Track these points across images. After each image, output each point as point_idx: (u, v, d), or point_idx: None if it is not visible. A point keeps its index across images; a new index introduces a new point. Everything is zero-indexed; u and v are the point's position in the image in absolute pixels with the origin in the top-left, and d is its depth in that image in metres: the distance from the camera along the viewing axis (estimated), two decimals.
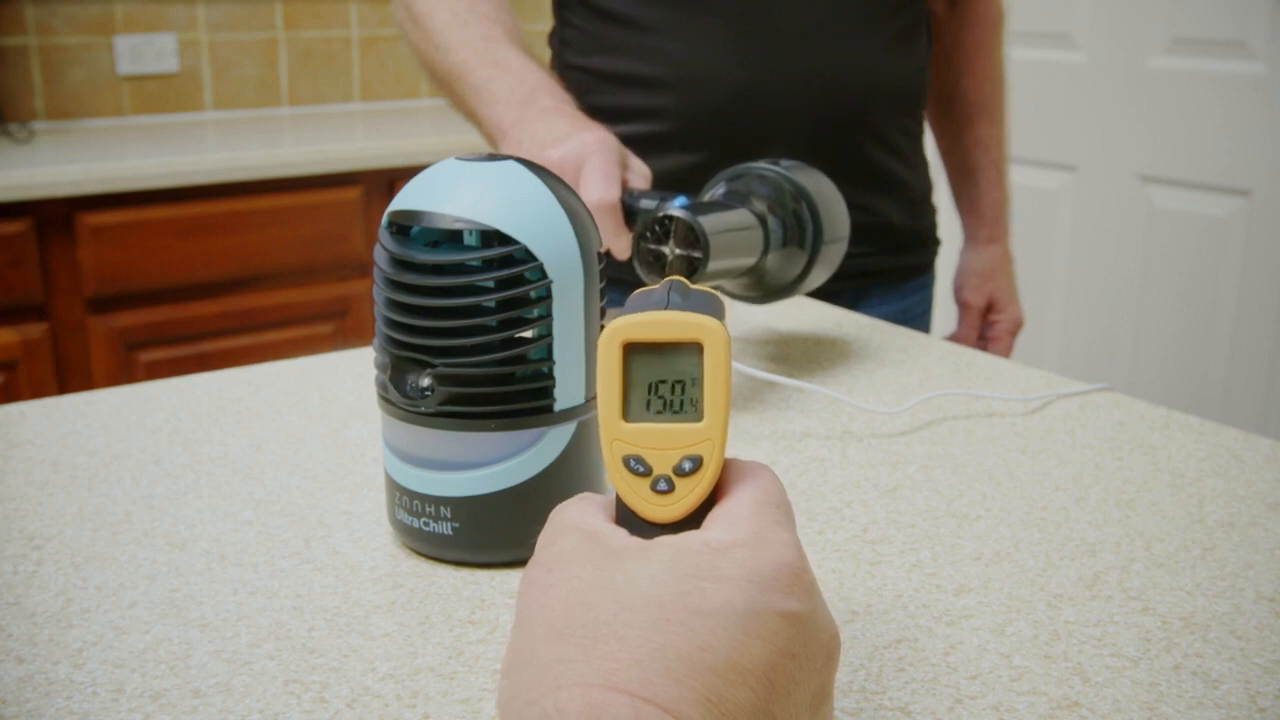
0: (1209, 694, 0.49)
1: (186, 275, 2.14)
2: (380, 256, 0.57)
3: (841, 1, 1.11)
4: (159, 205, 2.10)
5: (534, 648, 0.35)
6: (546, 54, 1.23)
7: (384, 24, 2.85)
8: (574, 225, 0.57)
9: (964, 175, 1.36)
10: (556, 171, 0.81)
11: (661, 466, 0.40)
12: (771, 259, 0.83)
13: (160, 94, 2.60)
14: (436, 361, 0.56)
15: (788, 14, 1.09)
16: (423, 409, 0.56)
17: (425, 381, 0.56)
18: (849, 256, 1.09)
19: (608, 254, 0.77)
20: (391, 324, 0.57)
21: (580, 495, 0.42)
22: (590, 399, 0.58)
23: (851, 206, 0.94)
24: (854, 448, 0.75)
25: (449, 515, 0.58)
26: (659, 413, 0.40)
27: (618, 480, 0.40)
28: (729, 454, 0.41)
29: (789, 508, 0.40)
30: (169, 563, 0.59)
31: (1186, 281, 2.17)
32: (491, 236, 0.55)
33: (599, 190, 0.80)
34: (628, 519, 0.40)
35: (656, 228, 0.76)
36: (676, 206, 0.75)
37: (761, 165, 0.86)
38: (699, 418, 0.40)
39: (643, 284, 0.82)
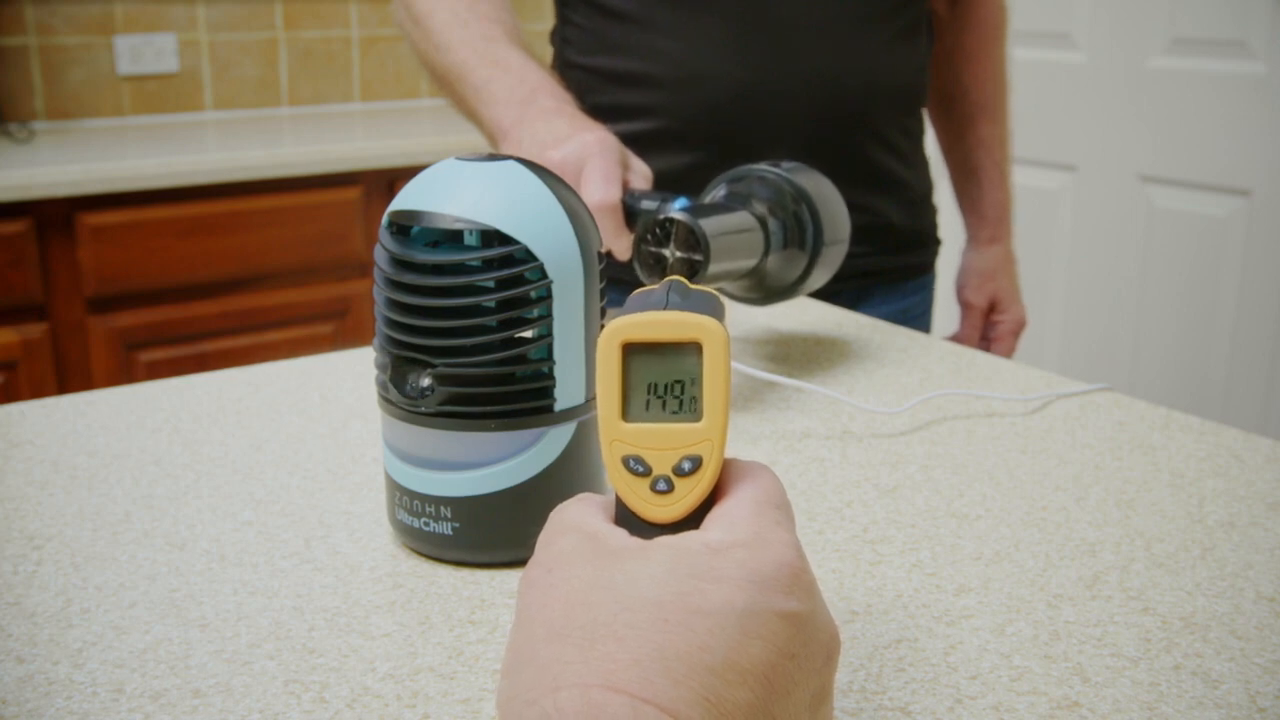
0: (1209, 694, 0.49)
1: (186, 275, 2.14)
2: (380, 256, 0.57)
3: (842, 1, 1.11)
4: (159, 205, 2.10)
5: (533, 648, 0.35)
6: (547, 53, 1.23)
7: (384, 24, 2.85)
8: (574, 225, 0.57)
9: (966, 175, 1.36)
10: (557, 172, 0.81)
11: (661, 467, 0.39)
12: (772, 261, 0.83)
13: (160, 94, 2.60)
14: (436, 361, 0.56)
15: (788, 13, 1.09)
16: (423, 409, 0.56)
17: (425, 381, 0.56)
18: (849, 257, 1.09)
19: (608, 254, 0.77)
20: (391, 324, 0.57)
21: (580, 495, 0.42)
22: (590, 399, 0.58)
23: (852, 206, 0.94)
24: (854, 448, 0.75)
25: (449, 515, 0.58)
26: (658, 413, 0.40)
27: (617, 480, 0.40)
28: (729, 454, 0.41)
29: (789, 508, 0.40)
30: (169, 563, 0.59)
31: (1186, 281, 2.17)
32: (491, 236, 0.55)
33: (600, 191, 0.80)
34: (627, 519, 0.40)
35: (657, 230, 0.76)
36: (677, 209, 0.75)
37: (762, 167, 0.86)
38: (698, 418, 0.40)
39: (643, 285, 0.82)
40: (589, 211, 0.59)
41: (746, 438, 0.76)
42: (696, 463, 0.39)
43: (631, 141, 0.93)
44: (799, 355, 0.93)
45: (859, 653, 0.52)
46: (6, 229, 1.96)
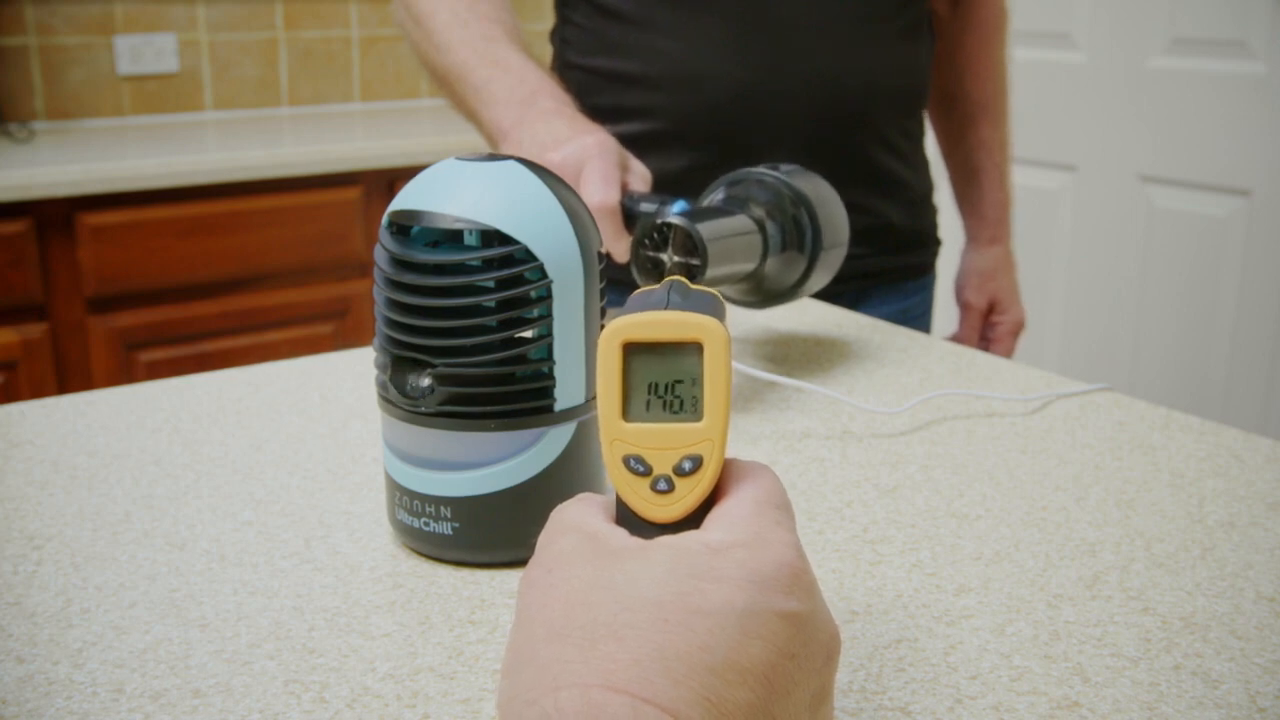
0: (1209, 694, 0.49)
1: (186, 275, 2.14)
2: (380, 256, 0.57)
3: (842, 1, 1.11)
4: (159, 205, 2.10)
5: (534, 648, 0.35)
6: (547, 53, 1.23)
7: (384, 24, 2.85)
8: (574, 225, 0.57)
9: (966, 176, 1.36)
10: (556, 173, 0.81)
11: (661, 466, 0.39)
12: (771, 264, 0.83)
13: (160, 94, 2.60)
14: (436, 361, 0.56)
15: (789, 14, 1.09)
16: (423, 409, 0.56)
17: (425, 381, 0.56)
18: (849, 257, 1.09)
19: (606, 255, 0.77)
20: (391, 324, 0.57)
21: (580, 495, 0.42)
22: (590, 399, 0.58)
23: (852, 207, 0.94)
24: (854, 448, 0.75)
25: (449, 515, 0.58)
26: (659, 412, 0.40)
27: (618, 480, 0.40)
28: (729, 454, 0.41)
29: (789, 508, 0.40)
30: (169, 563, 0.59)
31: (1186, 281, 2.17)
32: (492, 236, 0.55)
33: (599, 193, 0.80)
34: (628, 519, 0.40)
35: (655, 235, 0.76)
36: (675, 213, 0.75)
37: (761, 170, 0.86)
38: (699, 417, 0.40)
39: (637, 289, 0.82)
40: (589, 211, 0.59)
41: (746, 438, 0.76)
42: (697, 462, 0.39)
43: (631, 142, 0.93)
44: (799, 355, 0.93)
45: (859, 653, 0.52)
46: (6, 229, 1.96)
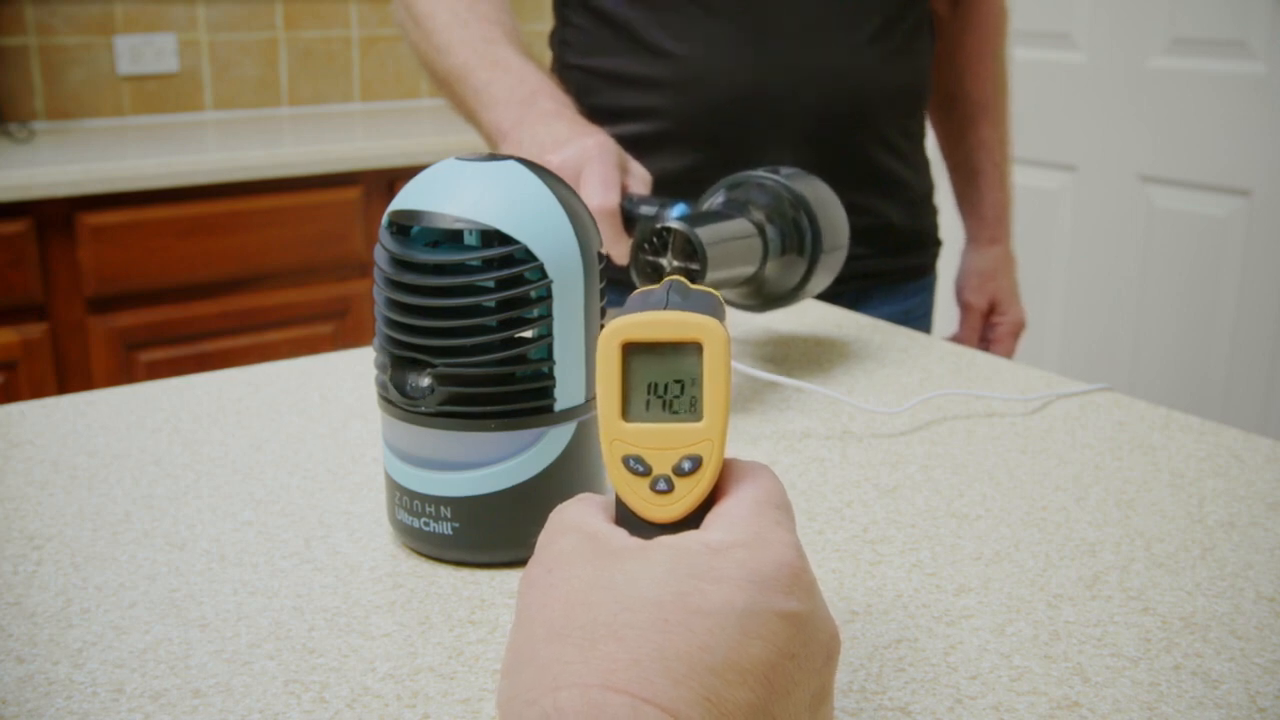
0: (1209, 694, 0.49)
1: (186, 275, 2.14)
2: (380, 256, 0.57)
3: (843, 2, 1.11)
4: (159, 205, 2.10)
5: (534, 648, 0.35)
6: (547, 55, 1.23)
7: (384, 24, 2.85)
8: (574, 225, 0.57)
9: (966, 176, 1.36)
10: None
11: (661, 466, 0.39)
12: (770, 267, 0.83)
13: (160, 94, 2.60)
14: (436, 361, 0.56)
15: (788, 14, 1.09)
16: (423, 409, 0.56)
17: (425, 381, 0.56)
18: (850, 258, 1.09)
19: (607, 255, 0.77)
20: (391, 324, 0.57)
21: (580, 495, 0.42)
22: (590, 399, 0.58)
23: (852, 208, 0.94)
24: (854, 448, 0.75)
25: (449, 515, 0.58)
26: (658, 412, 0.40)
27: (617, 480, 0.40)
28: (729, 454, 0.41)
29: (789, 508, 0.40)
30: (169, 563, 0.59)
31: (1186, 281, 2.17)
32: (492, 236, 0.55)
33: (598, 196, 0.80)
34: (627, 519, 0.40)
35: (654, 239, 0.76)
36: (674, 218, 0.75)
37: (760, 173, 0.85)
38: (699, 418, 0.40)
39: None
40: (589, 212, 0.59)
41: (746, 438, 0.76)
42: (696, 462, 0.39)
43: (631, 143, 0.93)
44: (799, 355, 0.93)
45: (859, 653, 0.52)
46: (6, 229, 1.96)
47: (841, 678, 0.50)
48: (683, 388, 0.40)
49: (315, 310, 2.29)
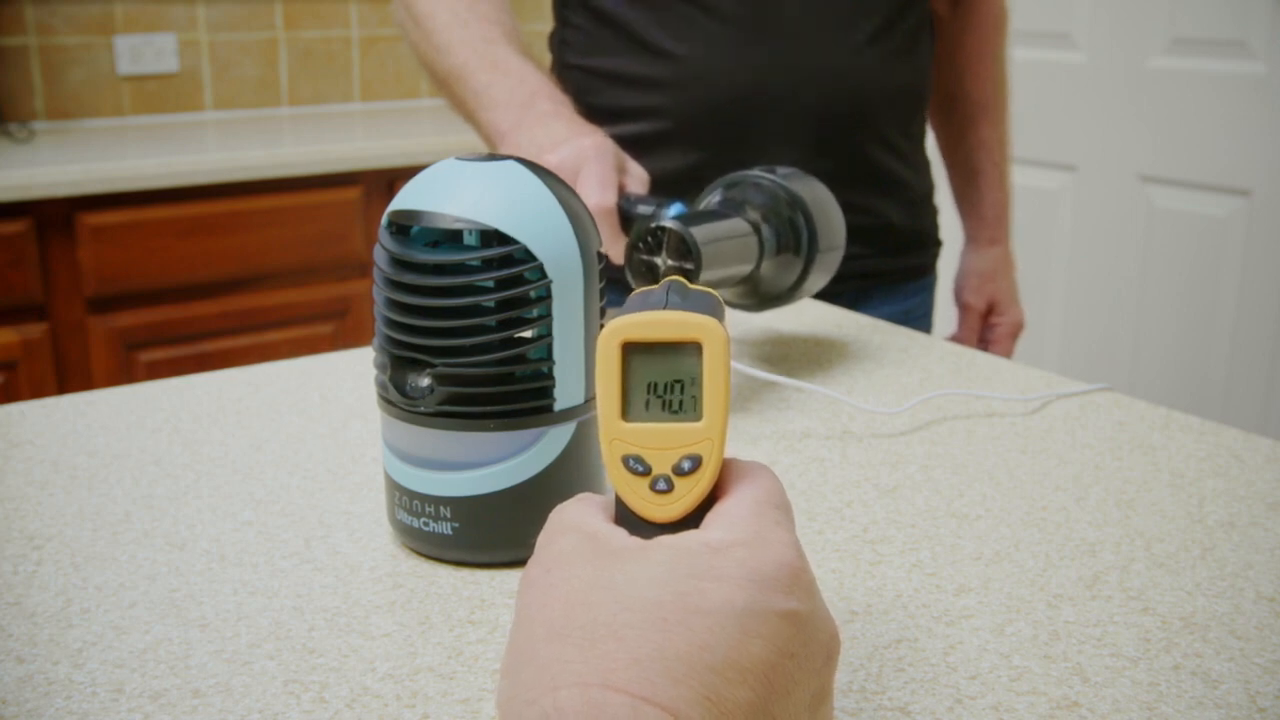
0: (1209, 694, 0.49)
1: (186, 275, 2.14)
2: (380, 256, 0.57)
3: (842, 2, 1.11)
4: (159, 205, 2.10)
5: (533, 647, 0.35)
6: (546, 55, 1.23)
7: (384, 24, 2.85)
8: (574, 225, 0.57)
9: (966, 176, 1.36)
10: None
11: (661, 466, 0.39)
12: (766, 267, 0.83)
13: (160, 94, 2.60)
14: (436, 361, 0.56)
15: (788, 14, 1.09)
16: (423, 409, 0.56)
17: (425, 381, 0.56)
18: (850, 258, 1.09)
19: (605, 257, 0.77)
20: (391, 324, 0.57)
21: (580, 495, 0.42)
22: (590, 399, 0.58)
23: (852, 208, 0.94)
24: (854, 448, 0.75)
25: (449, 515, 0.58)
26: (658, 412, 0.40)
27: (617, 480, 0.40)
28: (728, 454, 0.41)
29: (789, 508, 0.40)
30: (169, 563, 0.59)
31: (1186, 281, 2.17)
32: (491, 236, 0.55)
33: (595, 195, 0.81)
34: (627, 519, 0.40)
35: (649, 238, 0.76)
36: (669, 217, 0.75)
37: (757, 173, 0.86)
38: (698, 417, 0.40)
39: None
40: (588, 212, 0.59)
41: (746, 438, 0.76)
42: (696, 462, 0.39)
43: (630, 143, 0.93)
44: (799, 355, 0.93)
45: (859, 653, 0.52)
46: (6, 229, 1.96)
47: (841, 678, 0.50)
48: (682, 387, 0.40)
49: (315, 310, 2.29)
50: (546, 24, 1.24)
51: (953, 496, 0.68)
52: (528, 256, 0.55)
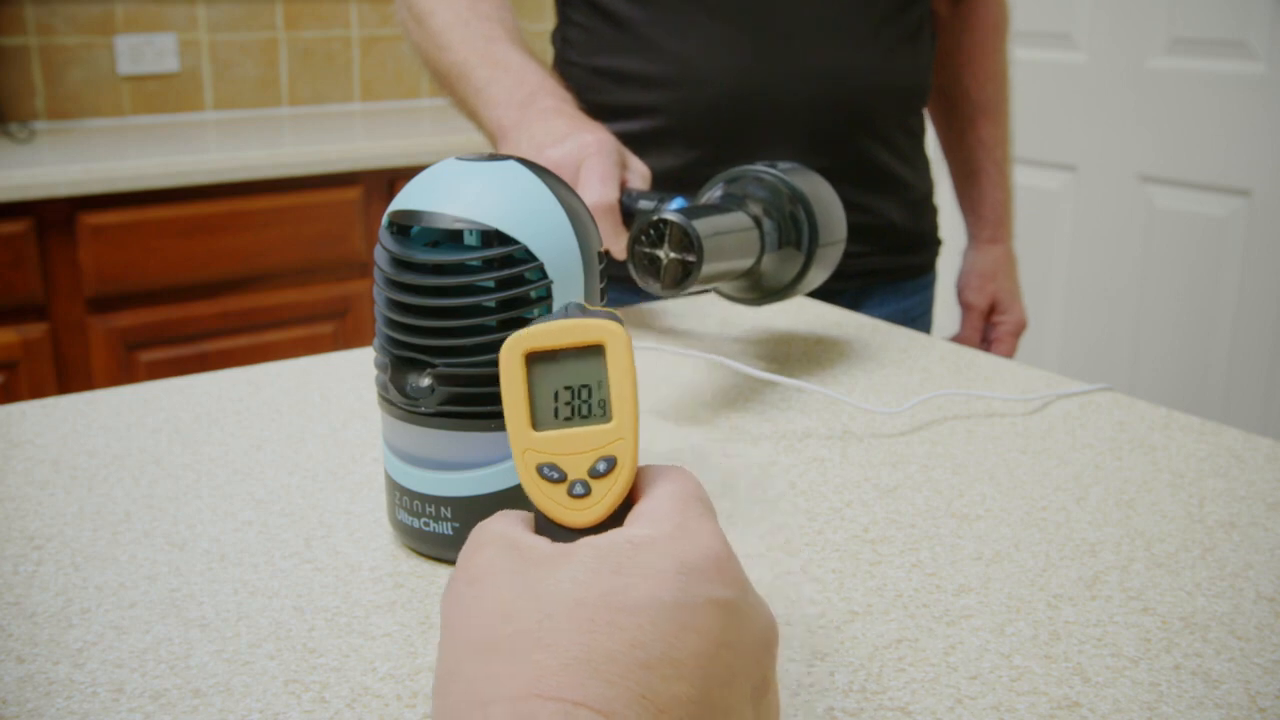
0: (1209, 694, 0.49)
1: (186, 275, 2.14)
2: (380, 257, 0.57)
3: (843, 1, 1.11)
4: (159, 205, 2.10)
5: (461, 665, 0.34)
6: (548, 53, 1.23)
7: (384, 24, 2.85)
8: (574, 225, 0.57)
9: (967, 176, 1.36)
10: (554, 172, 0.81)
11: (576, 471, 0.39)
12: (767, 261, 0.83)
13: (160, 94, 2.60)
14: (436, 361, 0.56)
15: (789, 13, 1.09)
16: (423, 409, 0.56)
17: (425, 381, 0.56)
18: (850, 256, 1.09)
19: (607, 253, 0.77)
20: (391, 324, 0.57)
21: (501, 511, 0.41)
22: None
23: (852, 206, 0.94)
24: (854, 448, 0.75)
25: (449, 515, 0.58)
26: (568, 419, 0.40)
27: (533, 490, 0.39)
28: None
29: (710, 502, 0.40)
30: (169, 562, 0.59)
31: (1186, 281, 2.17)
32: (492, 236, 0.55)
33: (596, 191, 0.81)
34: (547, 529, 0.39)
35: (651, 231, 0.76)
36: (671, 210, 0.75)
37: (758, 168, 0.86)
38: (608, 418, 0.40)
39: (638, 287, 0.82)
40: (589, 211, 0.59)
41: (747, 438, 0.76)
42: (611, 463, 0.39)
43: (632, 140, 0.93)
44: (799, 355, 0.93)
45: (859, 653, 0.52)
46: (7, 229, 1.96)
47: (841, 678, 0.50)
48: (590, 391, 0.40)
49: (315, 310, 2.29)
50: (546, 23, 1.24)
51: (953, 496, 0.68)
52: (528, 256, 0.55)
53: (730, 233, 0.78)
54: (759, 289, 0.87)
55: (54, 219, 2.01)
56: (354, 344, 2.29)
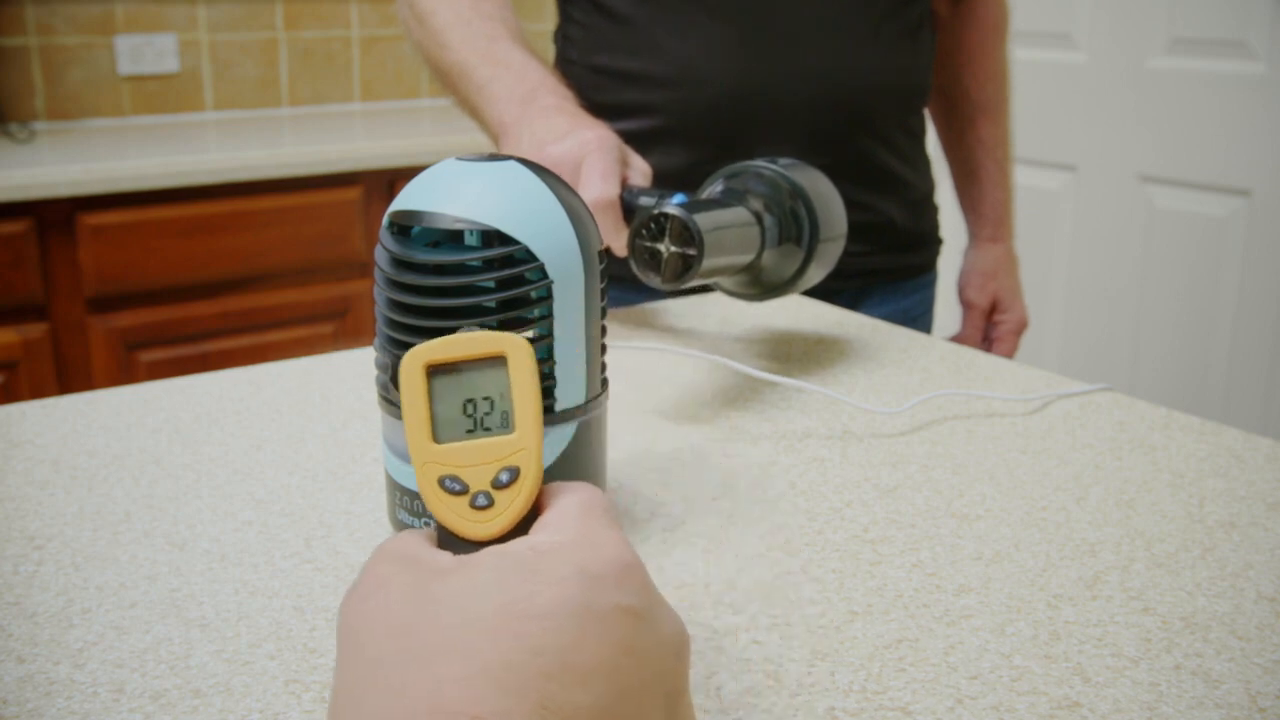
0: (1209, 694, 0.49)
1: (186, 275, 2.14)
2: (381, 257, 0.57)
3: (843, 1, 1.11)
4: (159, 205, 2.10)
5: (357, 683, 0.33)
6: (549, 52, 1.23)
7: (384, 24, 2.85)
8: (575, 225, 0.57)
9: (967, 175, 1.36)
10: (555, 168, 0.81)
11: (478, 482, 0.39)
12: (768, 256, 0.83)
13: (160, 94, 2.60)
14: None
15: (790, 12, 1.09)
16: None
17: None
18: (850, 255, 1.09)
19: (607, 252, 0.77)
20: (392, 324, 0.57)
21: (404, 530, 0.40)
22: (592, 398, 0.58)
23: (853, 205, 0.94)
24: (854, 448, 0.75)
25: None
26: (470, 431, 0.39)
27: (434, 504, 0.39)
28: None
29: (615, 512, 0.39)
30: (169, 562, 0.59)
31: (1186, 281, 2.17)
32: (492, 236, 0.55)
33: (597, 188, 0.81)
34: (450, 543, 0.38)
35: (652, 225, 0.76)
36: (673, 204, 0.76)
37: (759, 163, 0.86)
38: (511, 430, 0.39)
39: (638, 282, 0.82)
40: (589, 211, 0.59)
41: (747, 438, 0.76)
42: (514, 473, 0.39)
43: (633, 139, 0.93)
44: (799, 355, 0.93)
45: (859, 653, 0.52)
46: (7, 229, 1.96)
47: (842, 678, 0.50)
48: (492, 403, 0.39)
49: (315, 310, 2.29)
50: (547, 23, 1.24)
51: (953, 496, 0.68)
52: (529, 256, 0.55)
53: (731, 227, 0.78)
54: (759, 284, 0.87)
55: (54, 219, 2.01)
56: (354, 344, 2.29)
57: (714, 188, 0.86)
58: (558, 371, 0.57)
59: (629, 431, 0.76)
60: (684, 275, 0.75)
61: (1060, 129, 2.34)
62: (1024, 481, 0.70)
